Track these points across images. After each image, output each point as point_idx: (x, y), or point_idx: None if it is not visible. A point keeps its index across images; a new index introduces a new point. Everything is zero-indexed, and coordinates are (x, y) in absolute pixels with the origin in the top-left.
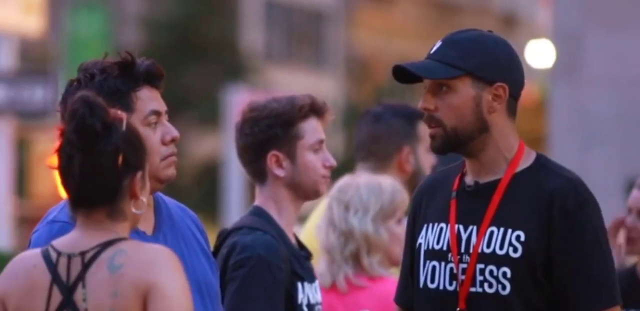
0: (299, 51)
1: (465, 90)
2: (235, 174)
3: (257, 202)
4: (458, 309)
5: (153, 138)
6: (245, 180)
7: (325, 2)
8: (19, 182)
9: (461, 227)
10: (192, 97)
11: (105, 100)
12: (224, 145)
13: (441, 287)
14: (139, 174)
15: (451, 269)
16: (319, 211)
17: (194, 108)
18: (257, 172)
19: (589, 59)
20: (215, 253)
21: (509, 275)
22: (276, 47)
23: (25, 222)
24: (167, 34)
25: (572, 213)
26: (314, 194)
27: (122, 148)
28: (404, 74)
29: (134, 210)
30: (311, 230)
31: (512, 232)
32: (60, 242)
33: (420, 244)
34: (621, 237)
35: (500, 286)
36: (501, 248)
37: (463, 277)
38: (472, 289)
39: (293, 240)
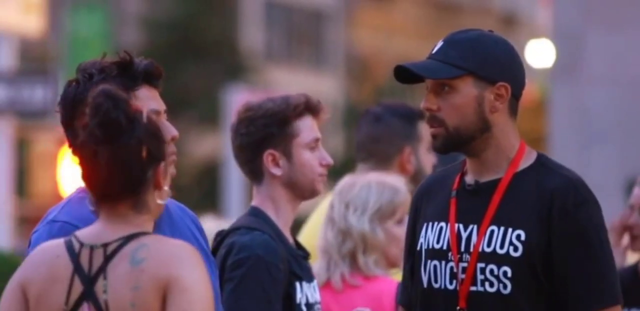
0: (299, 51)
1: (468, 90)
2: (235, 174)
3: (254, 203)
4: (458, 308)
5: None
6: (245, 180)
7: (325, 2)
8: (19, 182)
9: (461, 226)
10: (192, 96)
11: None
12: (224, 145)
13: (442, 286)
14: (162, 165)
15: (451, 268)
16: (319, 211)
17: (193, 108)
18: (254, 171)
19: (589, 58)
20: (213, 253)
21: (509, 274)
22: (276, 47)
23: (25, 222)
24: (167, 33)
25: (572, 213)
26: (311, 193)
27: (145, 140)
28: (405, 74)
29: (158, 200)
30: (312, 229)
31: (513, 231)
32: (83, 233)
33: (421, 243)
34: (625, 237)
35: (501, 285)
36: (502, 247)
37: (463, 276)
38: (473, 288)
39: (291, 240)
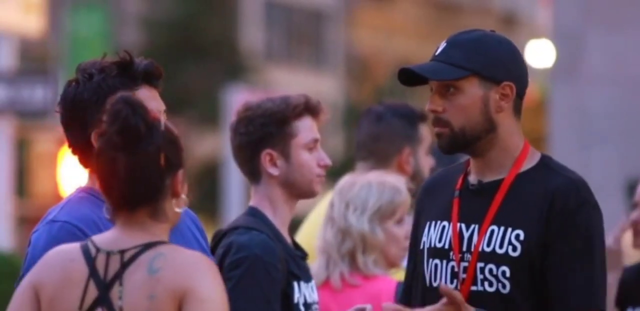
0: (299, 51)
1: (473, 91)
2: (235, 174)
3: (252, 203)
4: None
5: None
6: (245, 181)
7: (325, 2)
8: (19, 182)
9: (463, 226)
10: (191, 96)
11: (104, 100)
12: (224, 145)
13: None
14: (180, 172)
15: (452, 267)
16: (317, 211)
17: (193, 107)
18: (252, 171)
19: (589, 58)
20: (211, 254)
21: (508, 273)
22: (276, 47)
23: (25, 222)
24: (167, 33)
25: (571, 213)
26: (308, 193)
27: (163, 148)
28: (408, 77)
29: (176, 208)
30: (310, 229)
31: (512, 231)
32: (99, 239)
33: (423, 242)
34: (627, 237)
35: (500, 285)
36: (501, 247)
37: (464, 276)
38: (473, 288)
39: (288, 240)
